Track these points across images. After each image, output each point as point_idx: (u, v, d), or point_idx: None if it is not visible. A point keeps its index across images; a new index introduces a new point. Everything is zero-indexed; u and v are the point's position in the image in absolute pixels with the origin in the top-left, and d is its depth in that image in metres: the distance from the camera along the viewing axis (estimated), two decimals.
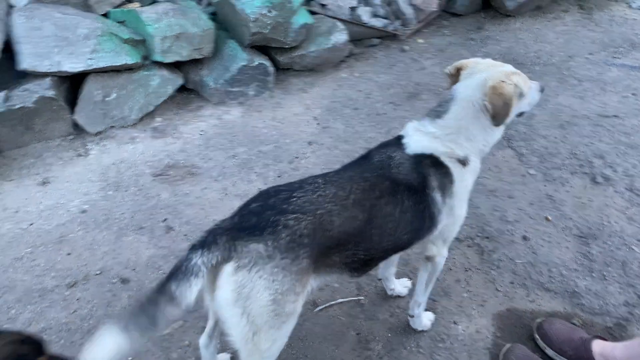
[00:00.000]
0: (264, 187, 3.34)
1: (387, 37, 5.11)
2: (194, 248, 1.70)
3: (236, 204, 3.19)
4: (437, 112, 2.17)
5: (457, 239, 3.03)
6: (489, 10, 5.58)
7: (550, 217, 3.22)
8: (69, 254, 2.92)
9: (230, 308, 1.72)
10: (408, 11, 5.18)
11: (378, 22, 5.04)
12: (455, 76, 2.25)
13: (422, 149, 2.09)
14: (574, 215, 3.23)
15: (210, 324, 2.16)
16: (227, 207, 3.24)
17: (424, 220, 2.10)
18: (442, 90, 4.42)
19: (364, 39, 5.06)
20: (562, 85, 4.46)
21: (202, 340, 2.20)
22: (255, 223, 1.75)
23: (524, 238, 3.09)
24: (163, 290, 1.62)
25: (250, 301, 1.70)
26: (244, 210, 1.83)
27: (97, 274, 2.79)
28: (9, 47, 3.60)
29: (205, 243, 1.69)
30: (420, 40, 5.15)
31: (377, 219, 1.96)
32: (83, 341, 2.44)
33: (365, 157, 2.13)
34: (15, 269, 2.80)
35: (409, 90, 4.45)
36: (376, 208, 1.95)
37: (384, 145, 2.18)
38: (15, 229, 3.06)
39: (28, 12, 3.56)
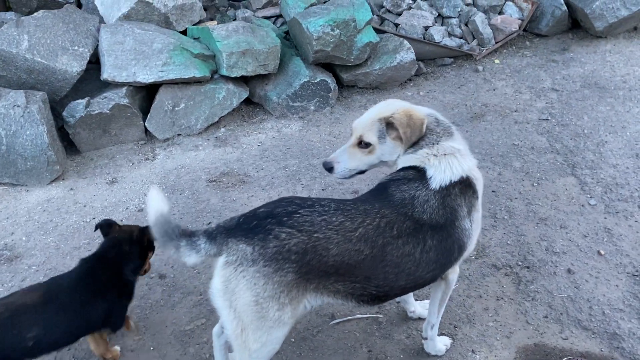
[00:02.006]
0: None
1: (460, 56, 5.01)
2: (205, 232, 1.87)
3: None
4: (444, 130, 2.12)
5: (494, 266, 2.91)
6: (578, 31, 5.25)
7: (603, 252, 2.97)
8: None
9: (220, 298, 1.87)
10: (486, 31, 5.03)
11: (452, 42, 4.95)
12: None
13: (451, 176, 2.03)
14: (632, 252, 2.95)
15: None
16: None
17: (452, 253, 2.06)
18: (509, 112, 4.24)
19: (436, 59, 4.99)
20: None
21: (215, 329, 2.32)
22: (252, 226, 1.84)
23: (569, 271, 2.87)
24: (176, 237, 1.85)
25: (235, 297, 1.82)
26: (252, 212, 1.92)
27: None
28: (98, 59, 4.04)
29: (211, 235, 1.85)
30: (497, 61, 4.98)
31: (392, 257, 1.92)
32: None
33: (385, 190, 2.05)
34: (72, 257, 3.11)
35: (474, 110, 4.32)
36: (391, 247, 1.91)
37: (404, 180, 2.06)
38: (80, 221, 3.40)
39: (113, 28, 3.97)
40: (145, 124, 4.02)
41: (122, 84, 3.89)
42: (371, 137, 2.13)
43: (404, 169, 2.11)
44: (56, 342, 2.18)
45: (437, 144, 2.10)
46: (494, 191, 3.47)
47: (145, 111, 4.07)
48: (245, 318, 1.84)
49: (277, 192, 3.55)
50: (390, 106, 2.16)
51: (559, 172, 3.61)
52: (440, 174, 2.03)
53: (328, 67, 4.51)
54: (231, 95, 4.18)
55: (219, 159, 3.92)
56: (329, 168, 2.23)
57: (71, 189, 3.67)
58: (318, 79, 4.28)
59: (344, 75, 4.49)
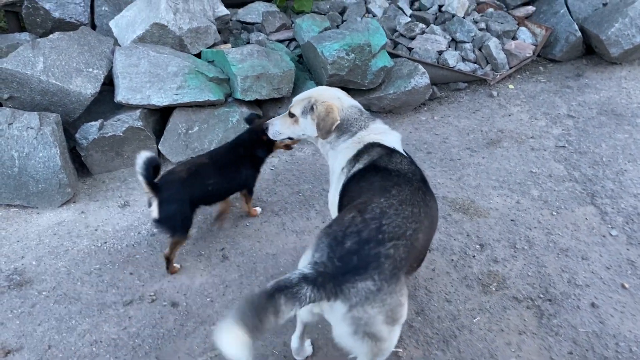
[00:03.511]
0: (321, 225, 3.38)
1: (475, 81, 4.98)
2: (305, 279, 1.79)
3: (291, 239, 3.29)
4: (368, 117, 2.57)
5: (515, 298, 2.83)
6: (592, 56, 5.23)
7: (627, 285, 2.88)
8: (131, 273, 3.12)
9: (351, 338, 1.90)
10: (500, 56, 5.01)
11: (466, 67, 4.93)
12: None
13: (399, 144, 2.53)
14: None
15: (299, 329, 2.46)
16: (282, 242, 3.31)
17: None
18: (525, 139, 4.19)
19: (449, 83, 4.97)
20: None
21: (294, 341, 2.50)
22: (357, 263, 1.84)
23: (593, 305, 2.78)
24: (272, 301, 1.72)
25: (367, 326, 1.85)
26: (341, 251, 1.88)
27: (151, 295, 2.95)
28: (111, 82, 4.03)
29: (316, 282, 1.79)
30: (511, 86, 4.95)
31: (433, 219, 2.31)
32: (127, 358, 2.59)
33: (387, 169, 2.30)
34: (83, 283, 3.05)
35: (490, 136, 4.27)
36: (431, 210, 2.26)
37: (388, 156, 2.38)
38: (92, 245, 3.34)
39: (128, 50, 3.96)
40: (159, 146, 3.99)
41: (136, 107, 3.87)
42: (296, 110, 2.58)
43: (367, 147, 2.41)
44: (224, 190, 3.24)
45: (369, 126, 2.50)
46: (512, 220, 3.41)
47: (158, 133, 4.04)
48: (379, 334, 1.89)
49: (290, 218, 3.50)
50: (325, 93, 2.56)
51: (578, 201, 3.54)
52: (398, 145, 2.48)
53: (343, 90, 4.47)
54: None
55: None
56: (266, 127, 2.74)
57: (82, 212, 3.62)
58: None
59: (358, 99, 4.43)
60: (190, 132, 4.00)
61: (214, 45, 4.46)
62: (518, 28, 5.31)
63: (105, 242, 3.36)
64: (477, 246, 3.21)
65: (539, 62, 5.26)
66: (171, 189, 2.91)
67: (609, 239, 3.22)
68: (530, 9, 5.60)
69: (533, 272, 3.02)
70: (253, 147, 3.26)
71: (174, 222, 2.93)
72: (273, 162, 4.09)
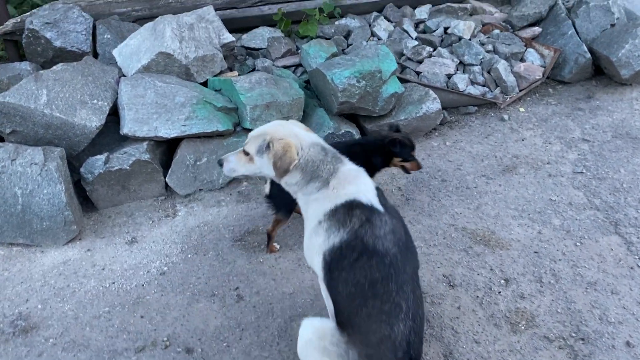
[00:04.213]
0: None
1: (484, 104, 4.90)
2: None
3: (308, 276, 3.16)
4: (334, 157, 2.40)
5: (547, 338, 2.71)
6: (602, 78, 5.17)
7: None
8: (142, 316, 2.98)
9: None
10: (509, 79, 4.94)
11: (475, 90, 4.86)
12: None
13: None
14: None
15: None
16: (298, 279, 3.18)
17: None
18: (542, 165, 4.10)
19: (459, 107, 4.89)
20: None
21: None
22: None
23: (628, 344, 2.67)
24: None
25: None
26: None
27: (164, 340, 2.81)
28: (115, 112, 3.92)
29: None
30: (522, 109, 4.87)
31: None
32: None
33: (384, 258, 2.18)
34: (92, 328, 2.90)
35: (505, 163, 4.18)
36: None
37: (370, 223, 2.22)
38: (99, 286, 3.20)
39: (133, 80, 3.86)
40: (166, 179, 3.86)
41: (142, 139, 3.75)
42: (251, 148, 2.42)
43: (347, 207, 2.22)
44: None
45: (339, 171, 2.33)
46: (536, 252, 3.30)
47: (165, 165, 3.92)
48: None
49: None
50: (281, 129, 2.37)
51: (601, 230, 3.44)
52: (373, 196, 2.29)
53: (352, 117, 4.39)
54: None
55: (243, 215, 3.75)
56: (220, 164, 2.56)
57: (88, 250, 3.48)
58: (342, 130, 4.15)
59: (369, 126, 4.37)
60: (198, 163, 3.88)
61: (221, 73, 4.37)
62: (526, 49, 5.26)
63: (114, 282, 3.22)
64: (502, 281, 3.10)
65: (548, 84, 5.20)
66: None
67: (638, 271, 3.11)
68: (537, 29, 5.55)
69: (562, 308, 2.90)
70: (372, 151, 3.37)
71: (280, 200, 3.13)
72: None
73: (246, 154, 2.44)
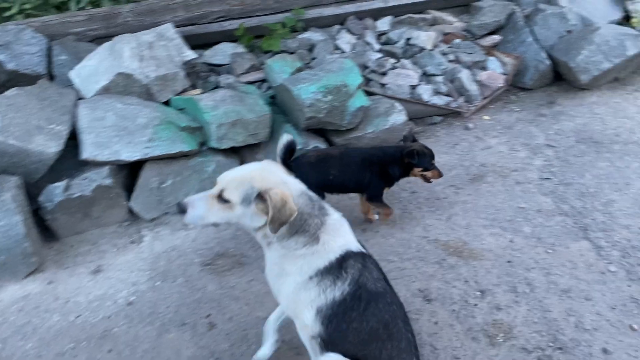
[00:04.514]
0: None
1: (449, 114, 4.93)
2: None
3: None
4: (319, 207, 2.27)
5: (525, 349, 2.70)
6: (562, 83, 5.27)
7: (636, 326, 2.80)
8: (110, 350, 2.85)
9: None
10: (472, 88, 4.99)
11: (440, 100, 4.88)
12: None
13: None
14: None
15: None
16: (272, 302, 3.07)
17: None
18: (509, 172, 4.13)
19: (425, 117, 4.91)
20: None
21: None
22: None
23: (604, 351, 2.68)
24: None
25: None
26: None
27: None
28: (74, 136, 3.76)
29: None
30: (486, 117, 4.92)
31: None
32: None
33: (385, 297, 2.22)
34: None
35: (473, 171, 4.19)
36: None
37: (366, 269, 2.23)
38: (63, 321, 3.04)
39: (92, 103, 3.73)
40: (130, 203, 3.73)
41: (104, 163, 3.61)
42: (232, 196, 2.09)
43: (340, 260, 2.15)
44: (343, 185, 3.48)
45: (326, 223, 2.18)
46: (509, 261, 3.30)
47: (129, 189, 3.78)
48: None
49: None
50: (268, 176, 2.14)
51: (571, 236, 3.48)
52: (359, 245, 2.31)
53: (319, 132, 4.34)
54: (221, 167, 3.94)
55: (212, 238, 3.64)
56: (182, 210, 2.14)
57: (50, 282, 3.32)
58: (311, 145, 4.10)
59: (337, 140, 4.33)
60: (163, 185, 3.76)
61: (183, 91, 4.27)
62: (487, 58, 5.32)
63: (78, 316, 3.07)
64: (478, 293, 3.08)
65: (511, 91, 5.27)
66: (300, 170, 3.20)
67: (609, 276, 3.14)
68: (497, 38, 5.63)
69: (538, 317, 2.90)
70: (389, 161, 3.44)
71: None
72: None
73: (223, 200, 2.10)
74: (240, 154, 4.14)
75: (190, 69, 4.56)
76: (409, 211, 3.79)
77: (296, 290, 2.19)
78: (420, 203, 3.89)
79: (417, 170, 3.45)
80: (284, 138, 3.04)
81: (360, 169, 3.43)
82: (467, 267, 3.28)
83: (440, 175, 3.51)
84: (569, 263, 3.26)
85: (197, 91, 4.35)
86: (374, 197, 3.55)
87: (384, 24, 5.65)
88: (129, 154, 3.61)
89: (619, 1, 5.78)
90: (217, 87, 4.65)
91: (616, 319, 2.85)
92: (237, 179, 2.13)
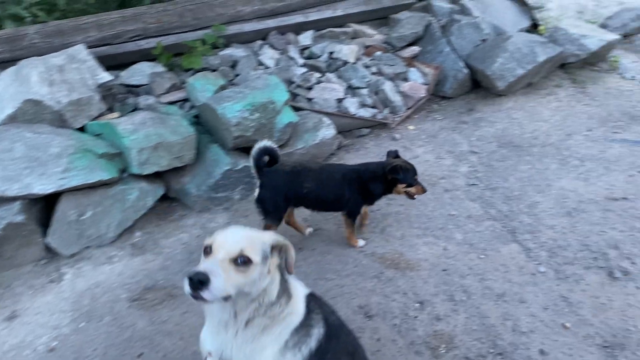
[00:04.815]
0: None
1: (376, 126, 4.98)
2: None
3: None
4: None
5: (467, 358, 2.71)
6: (480, 90, 5.47)
7: (568, 324, 2.89)
8: None
9: None
10: (396, 99, 5.07)
11: (366, 112, 4.92)
12: None
13: None
14: (594, 320, 2.90)
15: None
16: None
17: None
18: (437, 180, 4.21)
19: (353, 130, 4.92)
20: (563, 167, 4.24)
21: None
22: None
23: (542, 352, 2.74)
24: None
25: None
26: None
27: None
28: None
29: None
30: (411, 127, 5.00)
31: None
32: None
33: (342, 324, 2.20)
34: None
35: None
36: None
37: (324, 304, 2.18)
38: None
39: None
40: (47, 239, 3.45)
41: (14, 198, 3.32)
42: (255, 255, 1.80)
43: (307, 305, 2.02)
44: (319, 200, 3.38)
45: (288, 276, 2.03)
46: (444, 270, 3.33)
47: (45, 224, 3.50)
48: None
49: None
50: (260, 233, 1.94)
51: (500, 240, 3.57)
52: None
53: (248, 150, 4.21)
54: (145, 194, 3.74)
55: (139, 270, 3.43)
56: (204, 281, 1.67)
57: None
58: (240, 166, 3.98)
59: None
60: (82, 218, 3.51)
61: (100, 116, 4.02)
62: (408, 69, 5.44)
63: None
64: (417, 304, 3.08)
65: (433, 100, 5.40)
66: (271, 177, 3.27)
67: (539, 277, 3.24)
68: (416, 49, 5.77)
69: (477, 325, 2.93)
70: (371, 178, 3.36)
71: (271, 204, 3.30)
72: (183, 238, 3.71)
73: (245, 262, 1.78)
74: (165, 178, 3.96)
75: (106, 91, 4.31)
76: (339, 224, 3.75)
77: (276, 356, 1.92)
78: None
79: (401, 186, 3.36)
80: (261, 142, 3.17)
81: (341, 186, 3.35)
82: (404, 278, 3.28)
83: (424, 190, 3.42)
84: (502, 267, 3.34)
85: (115, 115, 4.13)
86: (352, 214, 3.48)
87: (306, 38, 5.64)
88: (42, 187, 3.34)
89: (527, 10, 6.11)
90: (136, 109, 4.43)
91: (550, 319, 2.94)
92: (247, 237, 1.86)
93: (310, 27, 5.76)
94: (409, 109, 5.11)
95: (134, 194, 3.68)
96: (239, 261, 1.77)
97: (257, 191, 3.30)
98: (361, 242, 3.56)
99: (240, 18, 5.46)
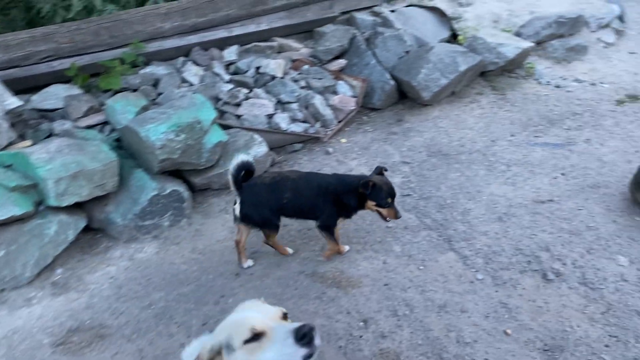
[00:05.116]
0: (188, 340, 2.88)
1: (309, 140, 4.92)
2: None
3: None
4: None
5: None
6: (407, 101, 5.55)
7: (509, 331, 2.93)
8: None
9: None
10: (326, 112, 5.04)
11: (297, 127, 4.85)
12: None
13: None
14: (533, 324, 2.95)
15: None
16: None
17: None
18: None
19: (285, 146, 4.84)
20: (491, 172, 4.35)
21: None
22: None
23: None
24: None
25: None
26: None
27: None
28: None
29: None
30: (343, 140, 4.99)
31: None
32: None
33: None
34: None
35: None
36: None
37: None
38: None
39: None
40: None
41: None
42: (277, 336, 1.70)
43: None
44: (297, 209, 3.34)
45: None
46: (385, 284, 3.30)
47: None
48: None
49: (149, 340, 2.94)
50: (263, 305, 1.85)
51: (438, 249, 3.59)
52: None
53: (176, 173, 4.04)
54: (65, 227, 3.47)
55: (62, 311, 3.16)
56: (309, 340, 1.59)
57: None
58: (168, 190, 3.79)
59: (196, 180, 4.07)
60: None
61: (10, 145, 3.71)
62: (336, 82, 5.43)
63: None
64: (361, 323, 3.02)
65: (362, 112, 5.42)
66: (252, 191, 3.25)
67: (477, 284, 3.27)
68: (342, 62, 5.78)
69: (422, 339, 2.90)
70: (345, 191, 3.27)
71: (258, 215, 3.27)
72: (110, 272, 3.46)
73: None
74: (86, 209, 3.70)
75: (15, 118, 3.98)
76: (283, 244, 3.64)
77: None
78: (292, 236, 3.77)
79: (370, 203, 3.25)
80: (239, 158, 3.15)
81: (315, 195, 3.29)
82: (347, 297, 3.21)
83: (396, 216, 3.27)
84: (441, 277, 3.35)
85: (27, 143, 3.81)
86: (326, 226, 3.38)
87: (230, 53, 5.51)
88: None
89: (446, 21, 6.29)
90: (51, 135, 4.13)
91: (491, 326, 2.96)
92: (263, 314, 1.75)
93: (235, 42, 5.64)
94: (340, 122, 5.09)
95: (52, 228, 3.40)
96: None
97: (237, 208, 3.24)
98: (346, 247, 3.57)
99: (160, 35, 5.26)
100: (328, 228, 3.39)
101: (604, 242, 3.53)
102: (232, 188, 3.23)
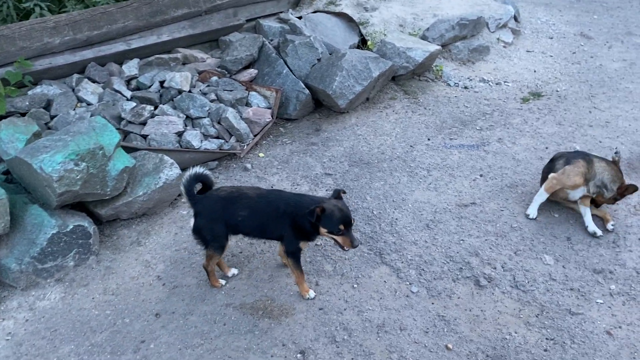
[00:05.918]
0: None
1: (224, 157, 4.65)
2: None
3: None
4: None
5: None
6: (323, 109, 5.43)
7: (450, 345, 2.86)
8: None
9: None
10: (242, 126, 4.78)
11: (211, 144, 4.55)
12: None
13: None
14: (473, 335, 2.91)
15: None
16: None
17: None
18: None
19: (199, 165, 4.52)
20: (413, 179, 4.32)
21: None
22: None
23: None
24: None
25: None
26: None
27: None
28: None
29: None
30: (261, 154, 4.76)
31: None
32: None
33: None
34: None
35: None
36: None
37: None
38: None
39: None
40: None
41: None
42: None
43: None
44: (252, 228, 3.17)
45: None
46: (320, 308, 3.13)
47: None
48: None
49: None
50: None
51: (370, 264, 3.47)
52: None
53: (79, 206, 3.63)
54: None
55: None
56: None
57: None
58: (71, 226, 3.37)
59: (102, 211, 3.67)
60: None
61: None
62: (248, 93, 5.19)
63: None
64: (299, 355, 2.83)
65: (279, 123, 5.23)
66: (206, 203, 3.12)
67: (414, 298, 3.19)
68: (253, 72, 5.55)
69: None
70: (301, 214, 2.97)
71: (209, 232, 3.11)
72: (7, 327, 3.01)
73: None
74: None
75: None
76: (205, 278, 3.35)
77: None
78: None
79: (323, 230, 2.94)
80: (193, 170, 3.09)
81: (274, 217, 3.07)
82: (281, 327, 3.00)
83: (351, 244, 2.91)
84: (376, 294, 3.23)
85: None
86: (290, 252, 3.12)
87: (131, 67, 5.11)
88: None
89: (354, 26, 6.25)
90: None
91: (432, 342, 2.88)
92: None
93: (134, 55, 5.24)
94: (256, 135, 4.86)
95: None
96: None
97: (192, 221, 3.13)
98: (312, 294, 3.21)
99: (50, 51, 4.76)
100: (293, 254, 3.12)
101: (528, 242, 3.58)
102: (185, 200, 3.14)
